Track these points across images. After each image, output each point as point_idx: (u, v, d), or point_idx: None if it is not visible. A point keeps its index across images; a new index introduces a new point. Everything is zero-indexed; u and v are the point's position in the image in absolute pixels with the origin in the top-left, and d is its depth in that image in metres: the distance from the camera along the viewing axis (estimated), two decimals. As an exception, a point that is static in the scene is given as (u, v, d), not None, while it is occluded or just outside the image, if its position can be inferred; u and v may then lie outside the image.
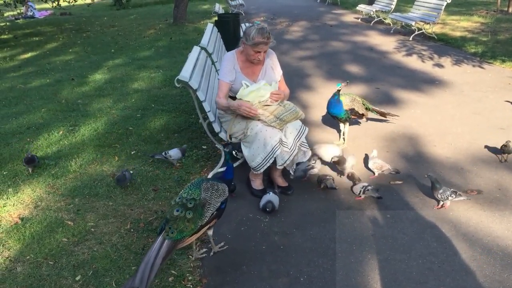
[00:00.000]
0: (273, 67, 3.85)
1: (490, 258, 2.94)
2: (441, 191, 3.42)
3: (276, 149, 3.49)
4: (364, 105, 4.64)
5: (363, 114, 4.63)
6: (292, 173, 3.80)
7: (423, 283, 2.74)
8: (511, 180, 3.92)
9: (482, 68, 7.82)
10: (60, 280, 2.86)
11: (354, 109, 4.50)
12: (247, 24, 3.75)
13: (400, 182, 3.94)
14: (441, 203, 3.48)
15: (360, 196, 3.67)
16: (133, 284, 2.31)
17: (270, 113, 3.56)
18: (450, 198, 3.40)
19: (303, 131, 3.70)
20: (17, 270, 2.96)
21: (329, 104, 4.50)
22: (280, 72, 3.92)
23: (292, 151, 3.59)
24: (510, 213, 3.44)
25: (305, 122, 3.81)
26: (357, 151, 4.56)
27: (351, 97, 4.54)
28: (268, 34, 3.49)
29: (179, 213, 2.59)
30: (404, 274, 2.83)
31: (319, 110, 5.85)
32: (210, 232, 3.00)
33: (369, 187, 3.60)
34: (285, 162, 3.58)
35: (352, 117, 4.59)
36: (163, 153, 4.26)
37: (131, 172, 4.12)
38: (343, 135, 4.74)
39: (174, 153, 4.25)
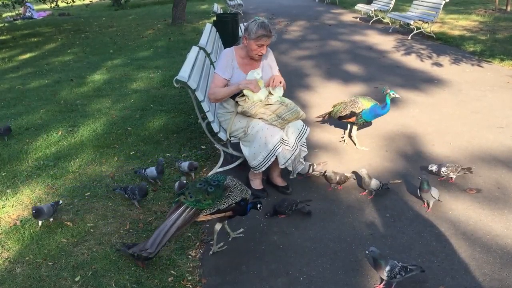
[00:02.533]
0: (271, 66, 3.87)
1: (489, 257, 2.94)
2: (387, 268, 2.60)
3: (278, 147, 3.50)
4: None
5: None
6: (292, 173, 3.80)
7: (422, 282, 2.74)
8: (510, 179, 3.92)
9: (481, 67, 7.83)
10: (59, 281, 2.86)
11: None
12: (245, 24, 3.76)
13: (399, 181, 3.94)
14: None
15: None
16: (145, 246, 2.51)
17: (272, 112, 3.56)
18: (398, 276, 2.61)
19: (304, 131, 3.71)
20: (16, 271, 2.96)
21: (379, 112, 4.34)
22: (276, 68, 3.97)
23: (294, 150, 3.59)
24: (509, 211, 3.44)
25: (304, 121, 3.81)
26: (356, 150, 4.57)
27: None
28: (270, 28, 3.53)
29: (201, 186, 2.78)
30: (404, 273, 2.82)
31: (318, 109, 5.85)
32: (217, 227, 3.02)
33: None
34: (287, 161, 3.58)
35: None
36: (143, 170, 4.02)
37: (54, 204, 3.46)
38: (351, 136, 4.72)
39: (150, 171, 3.97)
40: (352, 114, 4.43)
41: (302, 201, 3.52)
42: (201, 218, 2.78)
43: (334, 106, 4.68)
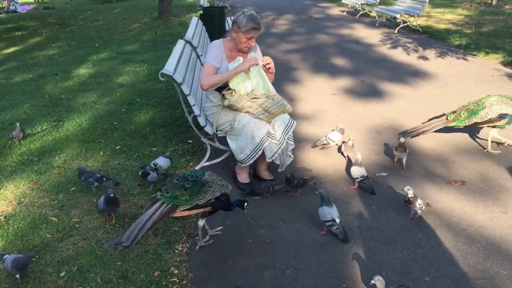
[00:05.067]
0: (257, 59, 3.84)
1: (474, 248, 2.98)
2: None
3: (264, 141, 3.49)
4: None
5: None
6: (280, 166, 3.80)
7: (407, 274, 2.76)
8: (494, 171, 3.97)
9: (466, 60, 7.90)
10: (44, 276, 2.83)
11: None
12: (232, 17, 3.74)
13: (385, 174, 3.97)
14: None
15: (355, 185, 3.77)
16: (120, 240, 2.48)
17: (258, 105, 3.56)
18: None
19: (291, 124, 3.71)
20: (0, 267, 2.92)
21: None
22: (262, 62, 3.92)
23: (281, 143, 3.59)
24: (493, 203, 3.48)
25: (291, 115, 3.81)
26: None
27: None
28: (259, 20, 3.52)
29: (178, 182, 2.74)
30: (389, 265, 2.85)
31: (305, 103, 5.86)
32: (201, 223, 3.01)
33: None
34: (273, 155, 3.58)
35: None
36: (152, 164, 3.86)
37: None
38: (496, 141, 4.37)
39: (161, 161, 3.88)
40: (502, 116, 4.02)
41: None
42: (178, 213, 2.76)
43: (458, 113, 4.25)
